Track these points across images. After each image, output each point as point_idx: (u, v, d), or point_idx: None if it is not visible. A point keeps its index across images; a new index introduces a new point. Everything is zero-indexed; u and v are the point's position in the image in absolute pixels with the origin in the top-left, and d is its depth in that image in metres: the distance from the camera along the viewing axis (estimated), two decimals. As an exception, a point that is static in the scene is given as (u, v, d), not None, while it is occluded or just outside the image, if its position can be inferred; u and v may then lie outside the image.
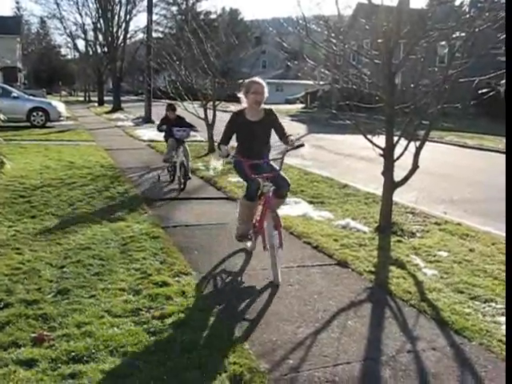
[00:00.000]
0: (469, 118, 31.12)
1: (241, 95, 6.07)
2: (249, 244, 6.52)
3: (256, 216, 6.27)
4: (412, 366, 4.02)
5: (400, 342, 4.38)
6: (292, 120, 35.71)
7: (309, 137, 23.93)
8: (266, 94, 5.99)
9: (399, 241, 7.18)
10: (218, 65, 16.78)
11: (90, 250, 6.42)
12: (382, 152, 7.55)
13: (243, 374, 3.74)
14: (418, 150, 7.51)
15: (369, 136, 7.62)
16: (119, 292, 5.16)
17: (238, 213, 6.34)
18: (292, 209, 8.72)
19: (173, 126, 10.65)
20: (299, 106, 53.03)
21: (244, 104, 6.08)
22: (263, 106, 6.09)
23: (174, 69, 18.06)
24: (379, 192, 8.35)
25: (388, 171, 7.58)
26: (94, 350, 4.02)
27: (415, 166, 7.52)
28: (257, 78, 6.17)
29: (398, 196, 9.16)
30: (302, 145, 5.88)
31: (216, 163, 12.81)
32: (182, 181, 10.33)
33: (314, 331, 4.49)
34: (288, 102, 59.88)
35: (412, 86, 7.75)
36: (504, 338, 4.48)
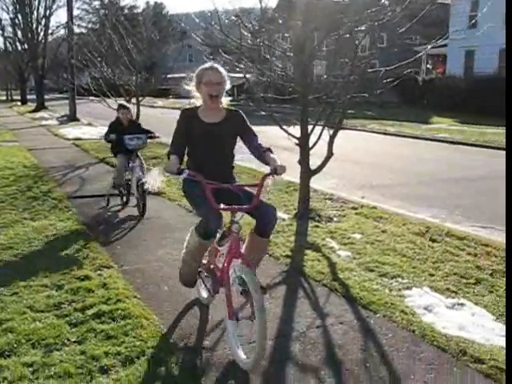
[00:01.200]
0: (391, 106, 32.17)
1: (191, 88, 4.59)
2: (204, 295, 4.87)
3: (214, 259, 4.70)
4: (320, 340, 4.33)
5: (311, 319, 4.69)
6: (220, 113, 35.81)
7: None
8: (227, 86, 4.49)
9: (316, 226, 7.53)
10: (140, 60, 16.77)
11: (12, 249, 6.46)
12: (297, 141, 7.86)
13: (161, 356, 3.95)
14: (332, 138, 7.87)
15: (285, 126, 7.91)
16: (42, 288, 5.26)
17: (184, 247, 4.58)
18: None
19: (124, 133, 8.13)
20: (227, 99, 53.17)
21: (196, 101, 4.60)
22: (224, 103, 4.63)
23: (96, 66, 17.91)
24: (299, 180, 8.69)
25: (304, 159, 7.91)
26: (15, 345, 4.13)
27: (330, 154, 7.87)
28: (210, 63, 4.50)
29: (319, 183, 9.55)
30: (283, 170, 4.10)
31: (155, 179, 9.09)
32: (141, 203, 8.00)
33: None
34: (216, 95, 59.84)
35: (325, 76, 8.10)
36: (406, 309, 4.88)
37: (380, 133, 22.68)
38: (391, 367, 3.93)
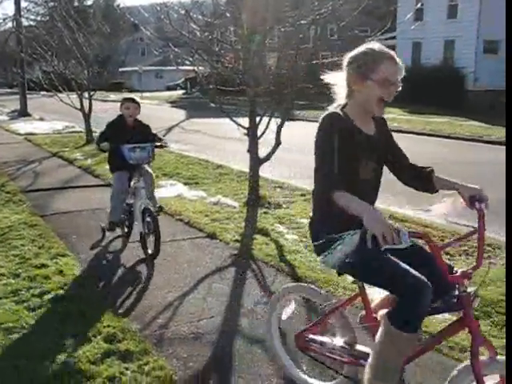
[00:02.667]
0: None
1: (339, 77, 3.06)
2: None
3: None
4: (267, 315, 4.63)
5: (258, 297, 5.00)
6: (172, 106, 35.89)
7: (188, 122, 24.39)
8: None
9: (266, 212, 7.86)
10: (91, 54, 16.75)
11: (-35, 243, 6.56)
12: (246, 131, 8.15)
13: (116, 334, 4.19)
14: (279, 128, 8.18)
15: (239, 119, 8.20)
16: (-1, 277, 5.41)
17: (373, 366, 2.83)
18: (167, 190, 9.24)
19: (124, 140, 5.99)
20: (180, 92, 53.12)
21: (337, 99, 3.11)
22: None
23: (46, 59, 17.79)
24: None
25: (253, 149, 8.20)
26: (-26, 332, 4.30)
27: (277, 142, 8.19)
28: (387, 50, 3.03)
29: (271, 172, 9.86)
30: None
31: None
32: (152, 239, 5.88)
33: (181, 294, 5.02)
34: (169, 88, 59.77)
35: (272, 68, 8.40)
36: (349, 286, 5.22)
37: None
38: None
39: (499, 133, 18.54)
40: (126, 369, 3.74)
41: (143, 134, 6.29)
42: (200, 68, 9.19)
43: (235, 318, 4.56)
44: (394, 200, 9.12)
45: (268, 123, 8.08)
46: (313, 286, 3.76)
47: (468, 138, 17.88)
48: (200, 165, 11.89)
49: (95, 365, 3.77)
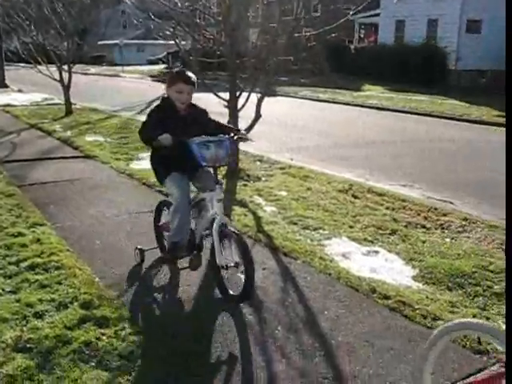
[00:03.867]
0: (325, 74, 32.62)
1: None
2: None
3: None
4: (243, 283, 4.67)
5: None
6: (154, 80, 35.56)
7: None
8: None
9: (245, 185, 7.88)
10: (71, 25, 16.47)
11: None
12: (226, 104, 8.12)
13: (93, 301, 4.20)
14: (260, 101, 8.17)
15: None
16: (-25, 245, 5.38)
17: None
18: (147, 163, 9.16)
19: (180, 132, 4.21)
20: (162, 67, 52.58)
21: None
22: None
23: (24, 30, 17.47)
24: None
25: (233, 121, 8.17)
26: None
27: (257, 116, 8.18)
28: None
29: (249, 146, 9.83)
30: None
31: None
32: (239, 274, 4.20)
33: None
34: (150, 62, 59.10)
35: (253, 42, 8.36)
36: (325, 256, 5.28)
37: (312, 99, 23.11)
38: (307, 304, 4.31)
39: (479, 112, 18.68)
40: (103, 334, 3.76)
41: (200, 124, 4.56)
42: (182, 42, 9.11)
43: (211, 286, 4.59)
44: (371, 176, 9.19)
45: (248, 96, 8.06)
46: (490, 325, 2.89)
47: (448, 117, 17.97)
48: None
49: (71, 330, 3.79)
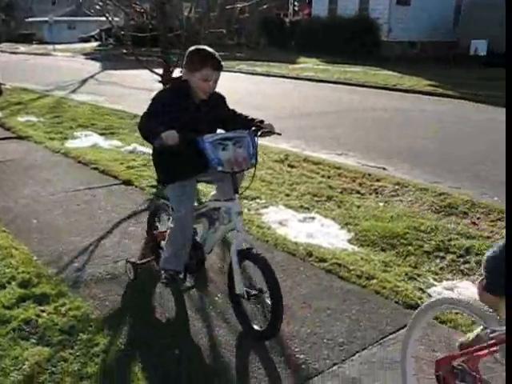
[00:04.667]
0: (260, 47, 32.64)
1: None
2: None
3: None
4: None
5: (175, 238, 5.06)
6: (87, 58, 34.73)
7: (103, 74, 23.73)
8: None
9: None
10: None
11: None
12: (160, 79, 8.05)
13: (31, 279, 4.16)
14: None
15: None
16: None
17: None
18: (82, 141, 9.10)
19: (193, 126, 3.44)
20: (94, 44, 51.38)
21: None
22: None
23: None
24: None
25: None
26: None
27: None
28: None
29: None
30: None
31: None
32: (265, 305, 3.50)
33: (97, 239, 5.01)
34: (83, 40, 57.61)
35: (185, 14, 8.28)
36: (262, 224, 5.38)
37: (248, 73, 23.14)
38: (243, 270, 4.40)
39: (411, 82, 19.12)
40: (42, 311, 3.74)
41: (217, 115, 3.76)
42: (115, 19, 8.96)
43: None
44: (307, 146, 9.35)
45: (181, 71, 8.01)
46: (477, 302, 2.73)
47: (381, 87, 18.34)
48: (116, 115, 11.67)
49: (10, 309, 3.75)
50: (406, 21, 29.40)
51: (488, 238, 5.12)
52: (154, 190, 6.43)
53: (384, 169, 7.90)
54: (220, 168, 3.33)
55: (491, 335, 2.24)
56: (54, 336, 3.46)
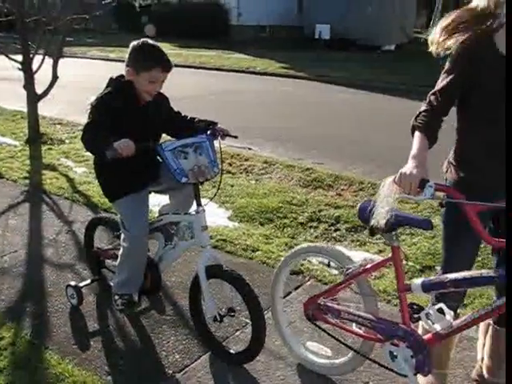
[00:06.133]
0: (111, 32, 31.89)
1: None
2: None
3: None
4: (71, 242, 4.76)
5: (59, 227, 5.07)
6: None
7: None
8: None
9: (50, 148, 7.75)
10: None
11: None
12: (20, 66, 7.81)
13: None
14: (55, 63, 7.97)
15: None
16: None
17: None
18: None
19: (136, 133, 3.05)
20: None
21: None
22: None
23: None
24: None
25: (29, 84, 7.91)
26: None
27: (54, 77, 7.99)
28: None
29: (47, 110, 9.56)
30: None
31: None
32: (245, 332, 3.43)
33: (-24, 234, 4.90)
34: None
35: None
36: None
37: (102, 59, 22.60)
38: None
39: (262, 64, 19.79)
40: None
41: (164, 118, 3.48)
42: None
43: (39, 249, 4.62)
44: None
45: (43, 58, 7.83)
46: (337, 247, 3.30)
47: (236, 70, 18.82)
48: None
49: None
50: (255, 5, 30.15)
51: (352, 207, 5.64)
52: (28, 181, 6.31)
53: (250, 149, 8.27)
54: (185, 179, 3.05)
55: (347, 272, 2.76)
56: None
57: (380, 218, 2.35)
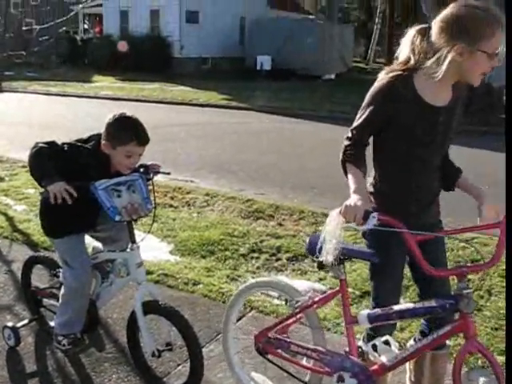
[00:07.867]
0: (52, 67, 31.58)
1: None
2: None
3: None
4: (10, 282, 4.69)
5: (-2, 267, 5.00)
6: None
7: None
8: None
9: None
10: None
11: None
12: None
13: None
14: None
15: None
16: None
17: None
18: None
19: (86, 173, 3.08)
20: None
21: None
22: None
23: None
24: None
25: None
26: None
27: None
28: None
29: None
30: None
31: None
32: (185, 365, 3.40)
33: None
34: None
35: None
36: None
37: (43, 93, 22.39)
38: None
39: (205, 96, 20.00)
40: None
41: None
42: None
43: None
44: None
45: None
46: (285, 280, 3.40)
47: (179, 102, 18.96)
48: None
49: None
50: (197, 38, 30.53)
51: (294, 236, 5.75)
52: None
53: (192, 181, 8.33)
54: (118, 218, 3.03)
55: (296, 305, 2.81)
56: None
57: (329, 253, 2.44)
